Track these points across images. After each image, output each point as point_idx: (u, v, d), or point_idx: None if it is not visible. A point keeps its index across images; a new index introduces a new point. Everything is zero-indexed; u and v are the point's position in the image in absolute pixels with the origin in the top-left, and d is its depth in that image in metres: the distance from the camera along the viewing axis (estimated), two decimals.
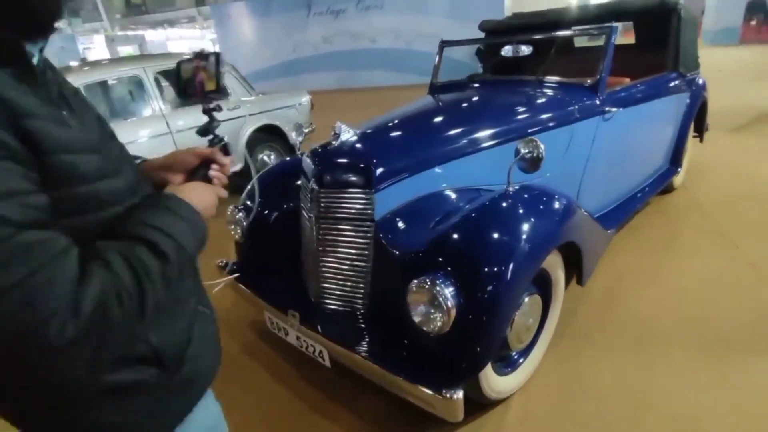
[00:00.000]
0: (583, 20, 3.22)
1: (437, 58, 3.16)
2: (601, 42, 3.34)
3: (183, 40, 24.74)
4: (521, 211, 1.61)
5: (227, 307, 2.71)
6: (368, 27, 13.34)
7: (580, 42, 3.32)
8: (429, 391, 1.42)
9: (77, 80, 3.38)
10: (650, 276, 2.57)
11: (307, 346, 1.83)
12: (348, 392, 1.94)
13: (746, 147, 4.76)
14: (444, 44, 3.10)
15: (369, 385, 1.74)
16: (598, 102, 2.39)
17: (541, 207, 1.67)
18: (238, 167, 4.41)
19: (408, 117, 2.28)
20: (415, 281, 1.48)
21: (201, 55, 0.92)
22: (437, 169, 1.91)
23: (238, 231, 2.29)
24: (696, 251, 2.81)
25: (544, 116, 2.24)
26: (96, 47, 18.85)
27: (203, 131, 0.97)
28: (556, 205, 1.71)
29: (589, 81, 2.40)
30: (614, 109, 2.44)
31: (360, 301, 1.85)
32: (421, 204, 1.83)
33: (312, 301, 1.95)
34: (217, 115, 1.00)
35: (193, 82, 0.93)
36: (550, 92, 2.44)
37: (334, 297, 1.89)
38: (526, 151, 1.63)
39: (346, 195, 1.79)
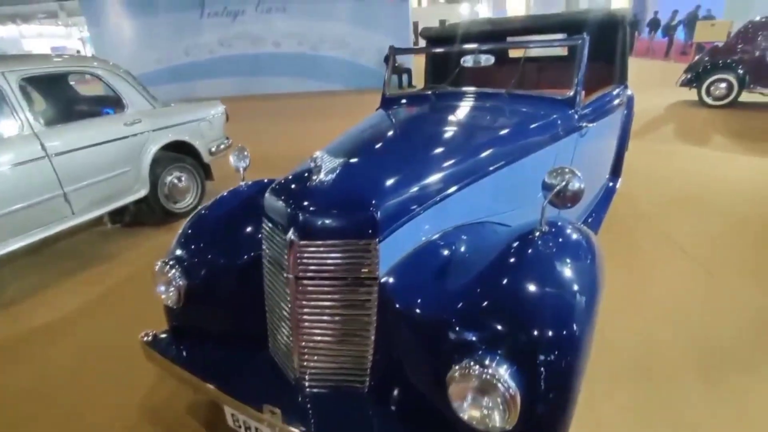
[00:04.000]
0: (532, 30, 3.14)
1: (387, 68, 2.82)
2: (555, 53, 3.29)
3: (43, 38, 21.23)
4: (563, 256, 1.33)
5: (150, 383, 2.08)
6: (270, 30, 12.57)
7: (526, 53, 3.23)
8: None
9: None
10: (627, 299, 2.50)
11: None
12: None
13: (655, 151, 5.20)
14: (395, 51, 2.78)
15: None
16: (576, 117, 2.25)
17: (578, 247, 1.41)
18: (141, 193, 3.65)
19: (387, 139, 1.90)
20: (458, 366, 1.12)
21: None
22: (441, 204, 1.56)
23: (171, 294, 1.71)
24: (655, 263, 2.85)
25: (535, 134, 2.03)
26: None
27: None
28: (585, 242, 1.47)
29: (569, 94, 2.25)
30: (590, 125, 2.33)
31: (360, 378, 1.44)
32: (432, 251, 1.47)
33: (292, 384, 1.49)
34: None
35: None
36: (528, 107, 2.24)
37: (323, 377, 1.46)
38: (561, 183, 1.35)
39: (339, 248, 1.36)
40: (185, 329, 1.78)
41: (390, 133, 2.01)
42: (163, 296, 1.72)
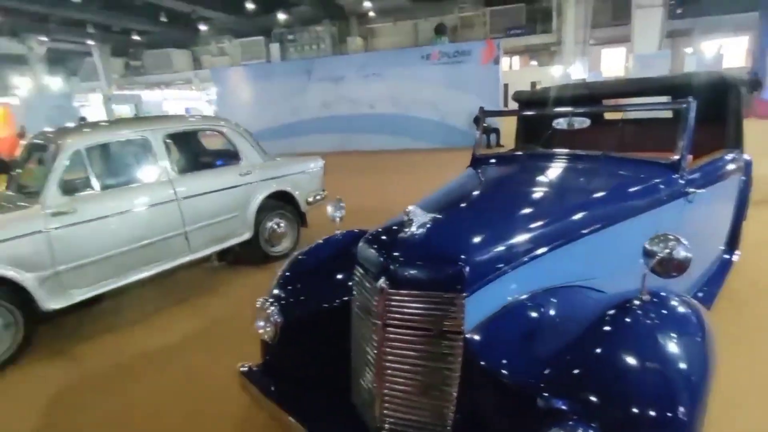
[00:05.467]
0: (631, 94, 3.08)
1: (478, 129, 2.92)
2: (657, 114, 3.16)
3: (179, 100, 25.11)
4: (667, 329, 1.24)
5: (241, 416, 2.20)
6: (367, 93, 13.61)
7: (624, 114, 3.16)
8: None
9: (77, 144, 3.04)
10: (747, 389, 2.17)
11: None
12: None
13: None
14: (485, 113, 2.88)
15: None
16: (682, 182, 2.12)
17: (685, 322, 1.30)
18: (246, 236, 4.04)
19: (478, 197, 1.96)
20: None
21: None
22: (533, 263, 1.55)
23: (269, 329, 1.86)
24: None
25: (633, 198, 1.95)
26: (91, 105, 18.93)
27: None
28: (694, 316, 1.35)
29: (674, 158, 2.14)
30: (698, 191, 2.18)
31: None
32: (521, 312, 1.45)
33: (369, 430, 1.51)
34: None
35: None
36: (626, 170, 2.17)
37: (403, 429, 1.45)
38: (664, 251, 1.29)
39: (426, 299, 1.40)
40: (277, 366, 1.90)
41: (481, 191, 2.06)
42: (261, 331, 1.88)
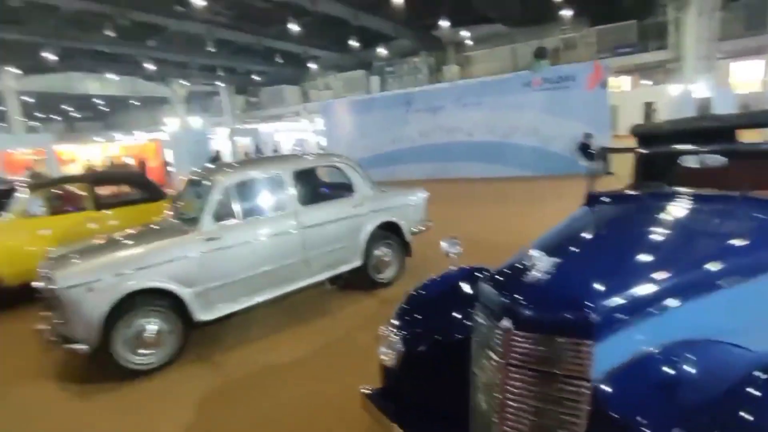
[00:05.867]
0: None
1: (586, 158, 2.86)
2: None
3: (290, 132, 27.62)
4: None
5: None
6: (465, 122, 13.73)
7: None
8: None
9: (227, 180, 3.59)
10: None
11: None
12: None
13: None
14: (605, 150, 2.82)
15: None
16: None
17: None
18: (357, 263, 4.33)
19: (601, 240, 1.95)
20: None
21: None
22: (665, 313, 1.52)
23: (391, 356, 2.02)
24: None
25: None
26: (219, 139, 21.72)
27: None
28: None
29: None
30: None
31: None
32: (653, 364, 1.43)
33: None
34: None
35: None
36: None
37: None
38: None
39: (553, 343, 1.46)
40: (397, 391, 2.05)
41: (604, 234, 2.04)
42: (384, 357, 2.05)
